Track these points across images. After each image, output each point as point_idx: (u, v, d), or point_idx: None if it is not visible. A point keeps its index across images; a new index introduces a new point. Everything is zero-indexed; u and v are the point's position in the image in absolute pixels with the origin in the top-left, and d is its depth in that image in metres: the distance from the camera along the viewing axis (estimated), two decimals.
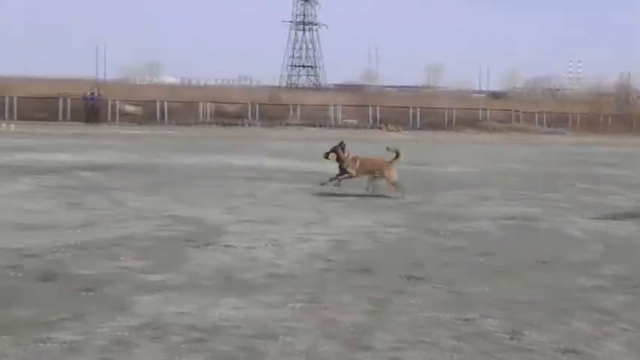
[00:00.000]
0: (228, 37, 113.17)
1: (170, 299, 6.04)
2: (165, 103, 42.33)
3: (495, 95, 68.60)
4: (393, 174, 13.04)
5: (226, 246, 8.26)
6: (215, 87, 61.46)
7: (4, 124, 34.63)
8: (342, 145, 13.12)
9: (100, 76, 47.69)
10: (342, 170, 12.98)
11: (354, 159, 13.05)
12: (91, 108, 39.43)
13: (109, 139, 27.84)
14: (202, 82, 71.86)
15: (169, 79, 75.08)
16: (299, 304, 5.95)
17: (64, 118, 39.55)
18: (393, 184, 13.00)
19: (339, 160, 13.02)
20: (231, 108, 44.40)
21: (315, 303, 6.02)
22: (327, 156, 13.14)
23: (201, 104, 43.06)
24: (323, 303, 6.02)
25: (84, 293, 6.15)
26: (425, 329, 5.38)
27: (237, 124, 40.96)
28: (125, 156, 20.08)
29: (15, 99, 39.77)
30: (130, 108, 42.24)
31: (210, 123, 41.25)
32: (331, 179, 13.03)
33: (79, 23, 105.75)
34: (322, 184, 13.00)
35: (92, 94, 40.09)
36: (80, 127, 34.77)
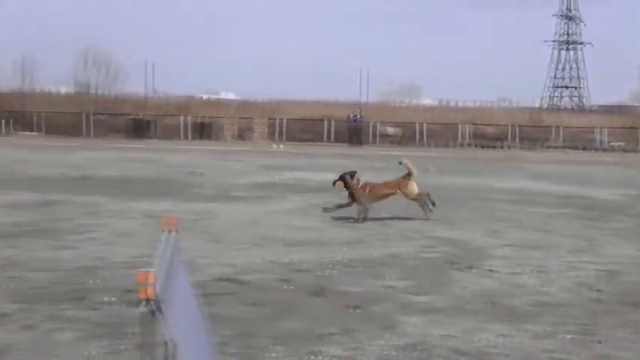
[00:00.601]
0: (487, 59, 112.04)
1: (435, 321, 6.05)
2: (425, 125, 42.71)
3: None
4: (412, 189, 12.30)
5: (490, 270, 8.14)
6: (474, 108, 61.06)
7: (274, 145, 36.79)
8: (351, 173, 12.42)
9: (363, 99, 49.03)
10: (353, 198, 12.22)
11: (364, 186, 12.27)
12: (353, 130, 40.77)
13: (372, 160, 28.53)
14: (460, 104, 71.76)
15: (427, 100, 75.74)
16: (569, 336, 5.70)
17: (329, 140, 41.22)
18: (416, 198, 12.26)
19: (346, 187, 12.32)
20: (490, 130, 43.81)
21: (587, 335, 5.73)
22: (334, 183, 12.54)
23: (460, 126, 42.94)
24: (596, 336, 5.72)
25: (351, 310, 6.34)
26: None
27: (495, 147, 40.35)
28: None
29: (285, 121, 42.19)
30: (390, 130, 43.13)
31: (468, 145, 41.04)
32: (340, 206, 12.23)
33: (343, 52, 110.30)
34: (325, 210, 12.27)
35: (355, 116, 41.45)
36: (344, 148, 36.02)
